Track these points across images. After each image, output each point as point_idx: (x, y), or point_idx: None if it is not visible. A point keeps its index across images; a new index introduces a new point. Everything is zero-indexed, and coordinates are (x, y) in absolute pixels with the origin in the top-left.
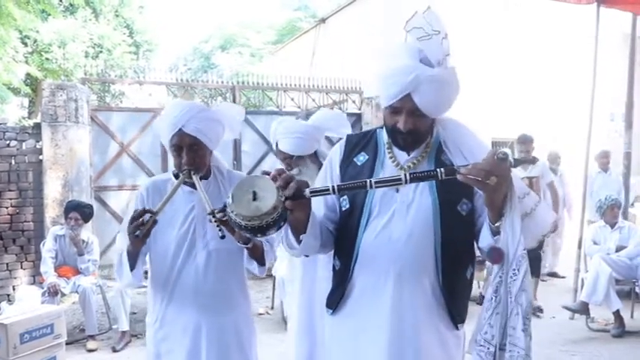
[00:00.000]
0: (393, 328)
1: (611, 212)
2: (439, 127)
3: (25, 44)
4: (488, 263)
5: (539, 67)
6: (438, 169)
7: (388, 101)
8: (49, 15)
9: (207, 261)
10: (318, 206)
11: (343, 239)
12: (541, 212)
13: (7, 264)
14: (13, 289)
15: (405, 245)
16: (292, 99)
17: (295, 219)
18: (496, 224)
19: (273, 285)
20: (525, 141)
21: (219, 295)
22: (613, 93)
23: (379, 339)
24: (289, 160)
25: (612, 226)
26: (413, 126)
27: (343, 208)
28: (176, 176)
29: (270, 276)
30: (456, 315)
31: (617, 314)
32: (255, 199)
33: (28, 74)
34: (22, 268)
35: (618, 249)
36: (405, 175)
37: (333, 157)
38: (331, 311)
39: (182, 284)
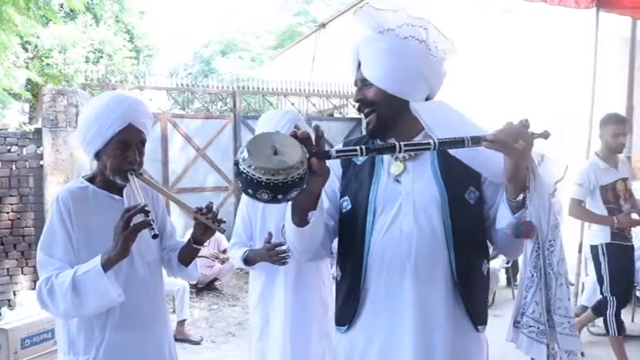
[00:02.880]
0: (418, 331)
1: None
2: (416, 114)
3: (26, 50)
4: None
5: (538, 71)
6: (465, 136)
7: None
8: (50, 20)
9: (147, 273)
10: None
11: (348, 244)
12: (543, 171)
13: (7, 269)
14: (14, 295)
15: (418, 237)
16: (292, 104)
17: (311, 189)
18: (517, 199)
19: None
20: (619, 122)
21: (160, 308)
22: (613, 97)
23: (405, 344)
24: None
25: None
26: (362, 95)
27: (344, 210)
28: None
29: None
30: (475, 315)
31: None
32: (276, 153)
33: (28, 80)
34: (22, 273)
35: None
36: (434, 140)
37: (332, 161)
38: (344, 328)
39: (129, 304)
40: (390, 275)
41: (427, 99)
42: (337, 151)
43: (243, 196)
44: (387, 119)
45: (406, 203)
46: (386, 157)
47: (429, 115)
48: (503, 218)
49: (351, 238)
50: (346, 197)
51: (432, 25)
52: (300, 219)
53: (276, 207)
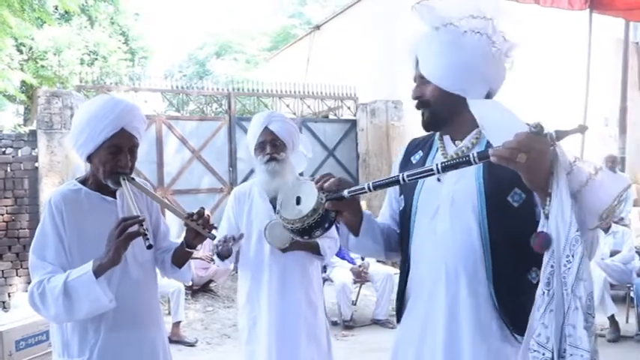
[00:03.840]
0: (448, 335)
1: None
2: (473, 113)
3: (21, 52)
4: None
5: (531, 72)
6: (470, 154)
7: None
8: (45, 22)
9: (141, 275)
10: (384, 210)
11: (401, 241)
12: (598, 184)
13: (2, 271)
14: (9, 297)
15: (453, 240)
16: (287, 105)
17: (347, 220)
18: (546, 207)
19: None
20: None
21: (153, 309)
22: (606, 98)
23: (436, 347)
24: (274, 143)
25: (606, 231)
26: (419, 93)
27: (400, 209)
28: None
29: None
30: (514, 324)
31: (612, 319)
32: (298, 203)
33: (23, 82)
34: (17, 275)
35: (612, 254)
36: (437, 165)
37: (396, 160)
38: (397, 320)
39: (123, 305)
40: (426, 277)
41: (488, 96)
42: (349, 192)
43: (230, 198)
44: (440, 117)
45: (444, 205)
46: (437, 157)
47: (485, 114)
48: (539, 227)
49: (401, 238)
50: (402, 196)
51: (501, 12)
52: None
53: (261, 210)
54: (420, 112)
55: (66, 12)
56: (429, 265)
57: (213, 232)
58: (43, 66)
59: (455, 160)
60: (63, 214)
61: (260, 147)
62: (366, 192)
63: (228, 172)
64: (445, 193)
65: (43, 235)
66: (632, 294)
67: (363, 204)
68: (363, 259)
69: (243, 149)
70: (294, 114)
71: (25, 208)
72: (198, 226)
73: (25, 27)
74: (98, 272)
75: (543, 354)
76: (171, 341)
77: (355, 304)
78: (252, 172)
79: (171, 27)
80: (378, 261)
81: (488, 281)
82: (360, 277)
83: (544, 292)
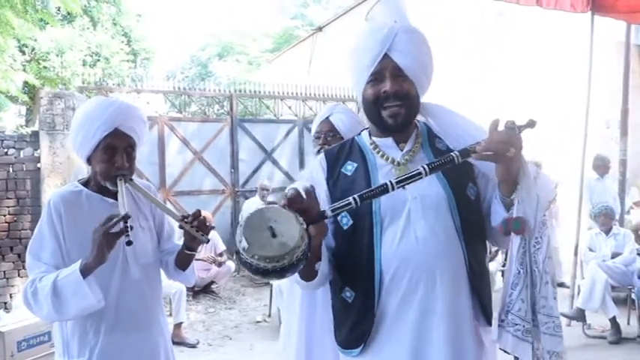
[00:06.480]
0: (449, 337)
1: (602, 219)
2: (426, 115)
3: (23, 52)
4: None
5: (533, 74)
6: (453, 153)
7: (368, 70)
8: (47, 23)
9: (143, 277)
10: None
11: (353, 262)
12: (544, 178)
13: (4, 272)
14: (11, 297)
15: (435, 240)
16: (289, 107)
17: (313, 245)
18: (511, 197)
19: (271, 292)
20: None
21: (155, 312)
22: (608, 100)
23: (438, 351)
24: (330, 135)
25: (607, 232)
26: (399, 87)
27: (345, 227)
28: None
29: (267, 283)
30: (488, 312)
31: (613, 321)
32: (274, 235)
33: (25, 82)
34: (19, 276)
35: (614, 255)
36: (424, 167)
37: (315, 175)
38: (357, 350)
39: (123, 307)
40: (412, 286)
41: None
42: (332, 210)
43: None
44: (412, 116)
45: (415, 207)
46: (381, 164)
47: (442, 118)
48: (496, 215)
49: (357, 255)
50: (344, 213)
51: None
52: (308, 274)
53: None
54: (389, 111)
55: (68, 13)
56: (413, 273)
57: (210, 235)
58: (45, 67)
59: (440, 161)
60: (62, 216)
61: (316, 137)
62: (352, 207)
63: (230, 174)
64: (412, 197)
65: (39, 236)
66: (633, 296)
67: None
68: None
69: (245, 151)
70: (296, 115)
71: (27, 209)
72: (192, 229)
73: (27, 28)
74: (85, 271)
75: (523, 326)
76: (172, 342)
77: None
78: (254, 173)
79: (173, 28)
80: None
81: (468, 274)
82: None
83: (519, 271)
